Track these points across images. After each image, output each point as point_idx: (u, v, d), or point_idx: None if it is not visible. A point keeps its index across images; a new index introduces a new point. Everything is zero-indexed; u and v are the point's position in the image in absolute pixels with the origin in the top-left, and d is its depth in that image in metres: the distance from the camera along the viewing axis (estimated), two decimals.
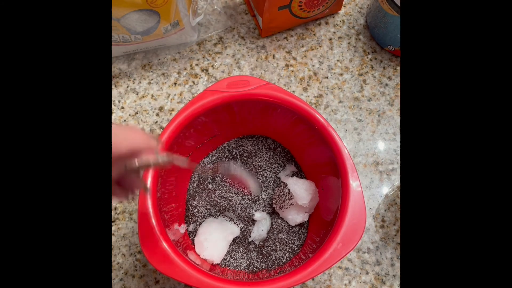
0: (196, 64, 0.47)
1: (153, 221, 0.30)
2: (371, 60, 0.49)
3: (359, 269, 0.40)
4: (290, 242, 0.38)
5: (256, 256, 0.38)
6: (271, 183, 0.40)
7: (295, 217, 0.38)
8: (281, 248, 0.37)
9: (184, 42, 0.47)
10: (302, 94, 0.47)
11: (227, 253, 0.38)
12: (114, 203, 0.36)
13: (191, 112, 0.33)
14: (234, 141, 0.41)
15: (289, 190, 0.37)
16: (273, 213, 0.40)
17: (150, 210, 0.30)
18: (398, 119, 0.46)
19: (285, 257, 0.37)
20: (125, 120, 0.44)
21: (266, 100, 0.34)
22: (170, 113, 0.45)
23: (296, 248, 0.37)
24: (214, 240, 0.37)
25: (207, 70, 0.47)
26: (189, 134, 0.35)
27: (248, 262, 0.37)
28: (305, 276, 0.28)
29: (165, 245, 0.29)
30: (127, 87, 0.46)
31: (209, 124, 0.36)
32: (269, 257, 0.37)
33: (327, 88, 0.47)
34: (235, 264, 0.37)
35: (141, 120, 0.45)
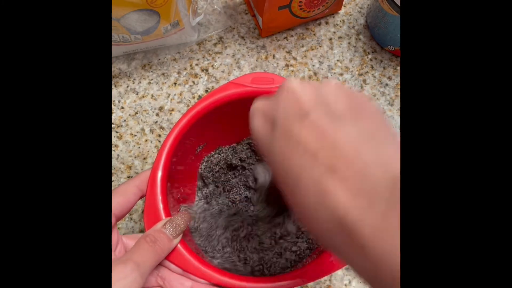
0: (196, 64, 0.47)
1: (160, 205, 0.30)
2: (371, 60, 0.49)
3: None
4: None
5: None
6: None
7: None
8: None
9: (184, 42, 0.47)
10: None
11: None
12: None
13: (215, 100, 0.33)
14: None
15: None
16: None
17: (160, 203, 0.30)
18: (398, 119, 0.46)
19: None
20: (125, 120, 0.44)
21: None
22: (170, 113, 0.45)
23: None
24: None
25: (207, 70, 0.47)
26: (211, 121, 0.34)
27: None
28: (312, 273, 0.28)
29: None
30: (127, 87, 0.46)
31: (228, 116, 0.36)
32: None
33: None
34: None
35: (141, 120, 0.45)
